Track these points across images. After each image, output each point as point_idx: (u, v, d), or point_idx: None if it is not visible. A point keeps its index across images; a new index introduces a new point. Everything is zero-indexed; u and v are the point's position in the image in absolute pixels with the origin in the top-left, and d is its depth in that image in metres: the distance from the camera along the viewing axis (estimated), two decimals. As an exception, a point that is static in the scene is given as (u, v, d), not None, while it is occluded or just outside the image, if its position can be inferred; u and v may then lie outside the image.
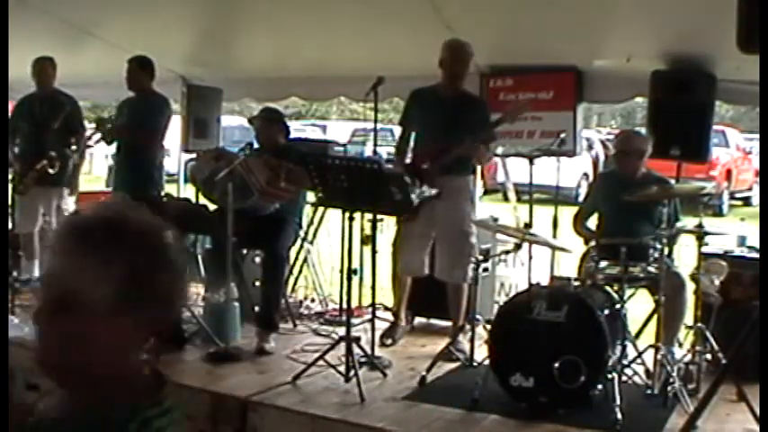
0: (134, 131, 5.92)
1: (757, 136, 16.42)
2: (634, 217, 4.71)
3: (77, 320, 1.24)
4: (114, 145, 6.31)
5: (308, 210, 6.02)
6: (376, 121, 5.44)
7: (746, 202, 17.24)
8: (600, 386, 3.99)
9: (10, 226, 6.29)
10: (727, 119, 22.83)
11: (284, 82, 6.86)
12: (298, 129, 20.19)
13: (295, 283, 6.35)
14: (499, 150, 5.85)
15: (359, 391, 4.14)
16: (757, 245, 4.95)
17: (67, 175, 6.43)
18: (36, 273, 6.49)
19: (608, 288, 4.43)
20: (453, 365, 4.72)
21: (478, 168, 5.46)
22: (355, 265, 4.63)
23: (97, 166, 19.12)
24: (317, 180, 4.55)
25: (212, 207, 5.33)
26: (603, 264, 4.43)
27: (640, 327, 4.84)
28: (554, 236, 4.85)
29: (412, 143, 5.20)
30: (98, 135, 6.12)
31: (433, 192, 4.74)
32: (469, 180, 5.11)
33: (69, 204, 6.51)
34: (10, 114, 6.72)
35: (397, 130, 5.59)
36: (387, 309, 5.99)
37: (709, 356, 4.40)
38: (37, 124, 6.16)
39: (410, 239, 5.16)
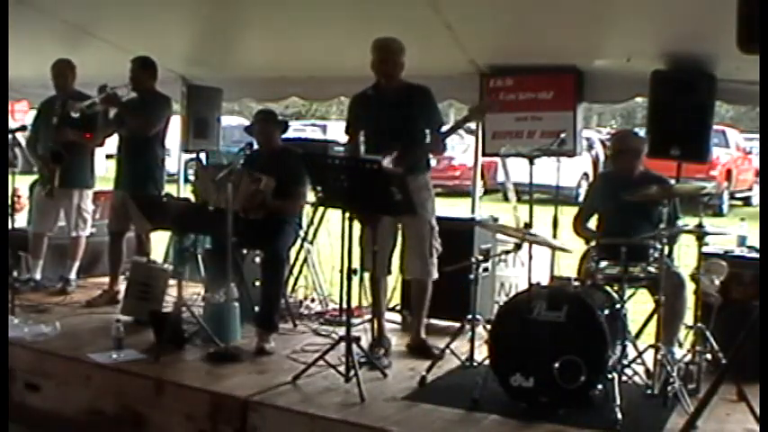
0: (135, 120, 5.92)
1: (757, 136, 16.44)
2: (634, 217, 4.71)
3: None
4: (115, 145, 6.32)
5: (308, 210, 6.02)
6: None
7: (746, 202, 17.25)
8: (600, 386, 3.99)
9: (20, 225, 6.30)
10: (727, 119, 22.86)
11: (284, 82, 6.86)
12: (298, 129, 20.19)
13: (295, 283, 6.35)
14: (501, 150, 5.85)
15: (359, 391, 4.15)
16: (757, 245, 4.95)
17: (87, 176, 6.43)
18: (37, 273, 6.51)
19: (608, 288, 4.43)
20: (453, 365, 4.72)
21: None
22: (355, 265, 4.63)
23: (97, 166, 19.09)
24: (316, 180, 4.56)
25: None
26: (603, 264, 4.43)
27: (640, 327, 4.84)
28: (554, 236, 4.85)
29: (362, 148, 4.99)
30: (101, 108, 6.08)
31: None
32: (429, 177, 5.07)
33: (89, 205, 6.52)
34: (33, 115, 6.75)
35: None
36: (387, 309, 5.99)
37: (709, 356, 4.40)
38: (59, 125, 6.17)
39: (379, 241, 4.88)
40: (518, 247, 4.69)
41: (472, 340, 4.69)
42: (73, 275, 6.50)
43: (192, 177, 6.32)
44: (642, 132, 5.50)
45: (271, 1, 5.51)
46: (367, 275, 5.22)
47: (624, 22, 4.88)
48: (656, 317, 4.36)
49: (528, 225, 4.52)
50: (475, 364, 4.59)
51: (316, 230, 6.39)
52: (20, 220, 6.32)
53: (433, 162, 5.25)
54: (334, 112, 30.50)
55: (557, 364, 3.90)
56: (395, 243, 5.10)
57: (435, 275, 5.03)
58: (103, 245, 6.60)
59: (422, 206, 4.88)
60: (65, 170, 6.15)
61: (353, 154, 5.00)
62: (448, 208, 6.80)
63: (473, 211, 6.29)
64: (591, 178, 15.55)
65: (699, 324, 4.42)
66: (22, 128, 6.31)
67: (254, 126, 5.61)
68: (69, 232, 6.45)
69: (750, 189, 17.41)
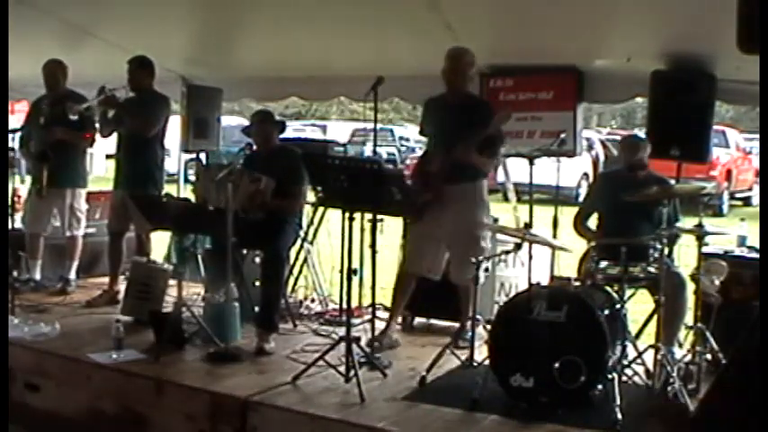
0: (135, 120, 5.93)
1: (757, 136, 16.44)
2: (634, 217, 4.71)
3: None
4: (115, 144, 6.32)
5: (308, 210, 6.02)
6: (376, 121, 5.44)
7: (746, 202, 17.24)
8: (600, 386, 3.99)
9: (19, 225, 6.30)
10: (728, 119, 22.84)
11: (284, 82, 6.86)
12: (297, 129, 20.22)
13: (295, 283, 6.34)
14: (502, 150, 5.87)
15: (359, 391, 4.14)
16: (757, 245, 4.95)
17: (80, 175, 6.44)
18: (37, 273, 6.50)
19: (608, 288, 4.43)
20: (453, 365, 4.72)
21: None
22: (355, 265, 4.63)
23: (97, 166, 19.12)
24: (316, 180, 4.56)
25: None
26: (603, 264, 4.43)
27: (640, 327, 4.84)
28: (554, 236, 4.85)
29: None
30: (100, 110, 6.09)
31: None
32: (478, 185, 5.10)
33: (82, 204, 6.52)
34: (25, 115, 6.76)
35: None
36: (387, 309, 5.99)
37: (709, 356, 4.40)
38: (46, 125, 6.17)
39: (415, 240, 5.22)
40: (518, 247, 4.69)
41: (472, 340, 4.68)
42: (72, 275, 6.50)
43: (192, 178, 6.33)
44: (642, 132, 5.49)
45: (271, 1, 5.51)
46: (367, 275, 5.26)
47: (624, 22, 4.88)
48: (656, 317, 4.36)
49: (528, 225, 4.52)
50: (475, 364, 4.58)
51: (316, 230, 6.39)
52: (19, 220, 6.31)
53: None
54: (334, 112, 30.52)
55: (557, 364, 3.90)
56: (435, 247, 5.15)
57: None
58: (103, 245, 6.60)
59: (462, 214, 4.99)
60: (56, 170, 6.14)
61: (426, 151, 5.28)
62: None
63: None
64: (591, 178, 15.56)
65: (699, 324, 4.42)
66: (22, 128, 6.32)
67: (252, 127, 5.61)
68: (63, 232, 6.44)
69: (750, 189, 17.41)
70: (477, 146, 4.90)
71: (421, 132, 5.47)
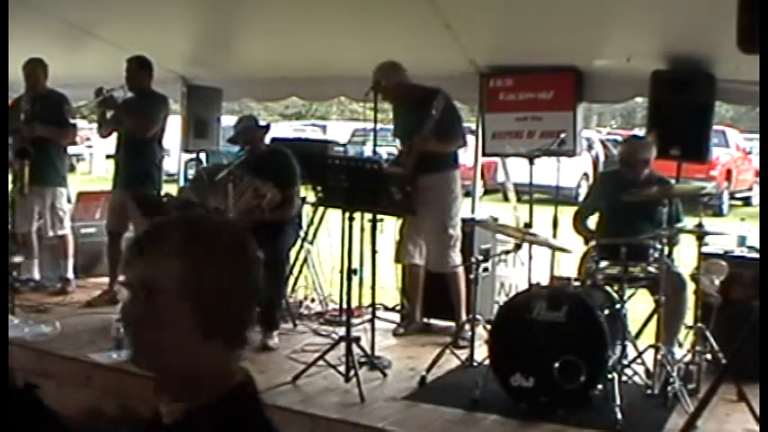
0: (134, 121, 5.94)
1: (757, 136, 16.43)
2: (634, 217, 4.70)
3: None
4: (113, 144, 6.32)
5: (307, 210, 6.02)
6: (376, 122, 5.44)
7: (746, 202, 17.22)
8: (600, 386, 3.99)
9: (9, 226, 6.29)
10: (728, 119, 22.84)
11: (284, 82, 6.86)
12: (298, 129, 20.21)
13: (295, 283, 6.33)
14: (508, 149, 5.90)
15: (359, 391, 4.14)
16: (757, 245, 4.95)
17: (60, 174, 6.43)
18: (36, 273, 6.50)
19: (608, 288, 4.43)
20: (453, 365, 4.72)
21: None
22: (355, 265, 4.63)
23: (97, 166, 19.14)
24: (316, 180, 4.57)
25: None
26: (603, 264, 4.43)
27: (640, 327, 4.84)
28: (554, 236, 4.85)
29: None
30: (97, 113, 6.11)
31: None
32: (449, 175, 5.25)
33: (64, 204, 6.50)
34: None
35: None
36: (387, 309, 6.00)
37: (709, 356, 4.40)
38: (26, 122, 6.18)
39: (401, 231, 5.45)
40: (518, 247, 4.69)
41: (472, 340, 4.68)
42: (70, 273, 6.48)
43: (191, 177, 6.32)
44: (642, 132, 5.49)
45: (271, 1, 5.51)
46: (367, 275, 5.27)
47: (624, 22, 4.89)
48: (656, 317, 4.36)
49: (528, 225, 4.52)
50: (475, 363, 4.59)
51: (316, 230, 6.38)
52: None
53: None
54: (335, 112, 30.52)
55: (557, 364, 3.90)
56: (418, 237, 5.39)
57: (453, 268, 5.25)
58: (103, 245, 6.59)
59: (433, 203, 5.13)
60: (36, 168, 6.11)
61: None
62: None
63: (473, 211, 6.28)
64: (591, 178, 15.54)
65: (699, 324, 4.42)
66: None
67: (239, 134, 5.53)
68: (47, 232, 6.41)
69: (750, 189, 17.38)
70: (433, 133, 5.01)
71: (393, 135, 5.64)
